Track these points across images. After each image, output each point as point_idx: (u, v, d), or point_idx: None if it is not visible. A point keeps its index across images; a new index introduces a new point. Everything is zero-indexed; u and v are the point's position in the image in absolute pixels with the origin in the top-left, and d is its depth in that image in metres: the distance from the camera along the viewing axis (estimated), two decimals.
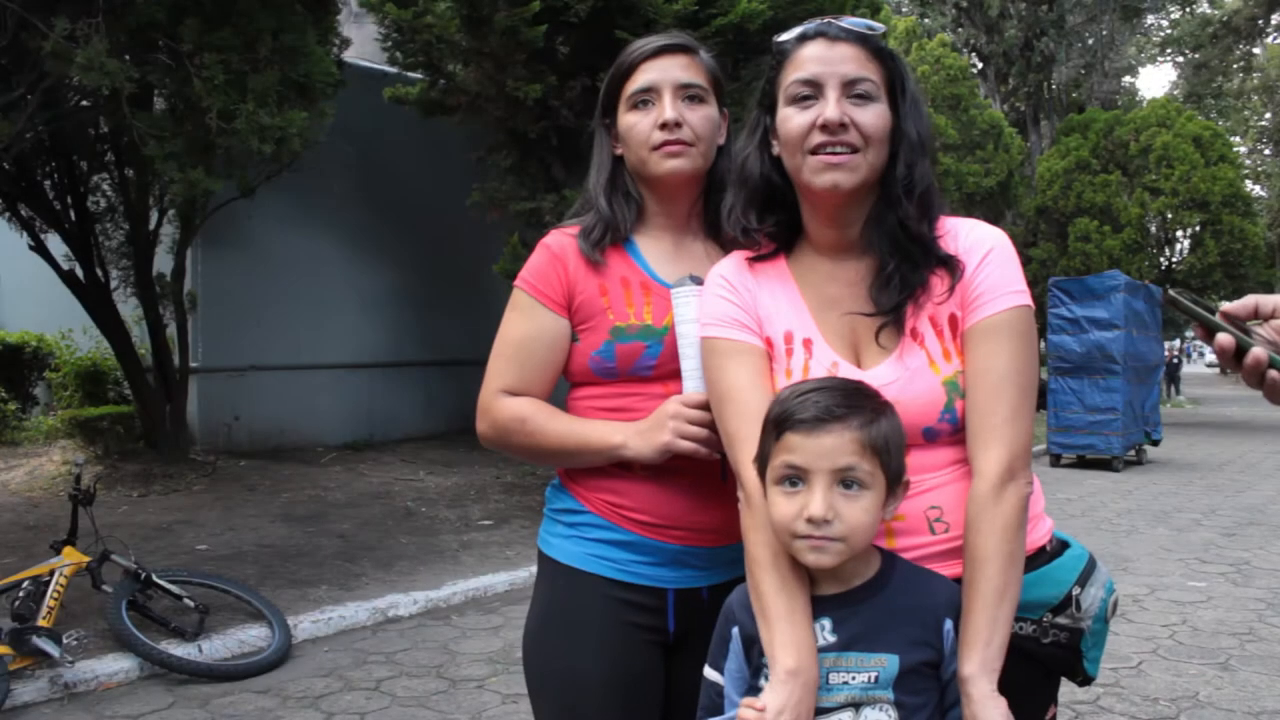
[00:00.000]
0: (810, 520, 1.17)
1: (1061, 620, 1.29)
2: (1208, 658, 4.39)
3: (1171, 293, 1.06)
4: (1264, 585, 5.72)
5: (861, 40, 1.30)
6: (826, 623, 1.23)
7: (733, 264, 1.44)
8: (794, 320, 1.37)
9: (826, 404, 1.19)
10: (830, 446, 1.17)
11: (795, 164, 1.32)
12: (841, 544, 1.18)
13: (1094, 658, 1.33)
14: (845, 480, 1.18)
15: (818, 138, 1.28)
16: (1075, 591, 1.31)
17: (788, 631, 1.20)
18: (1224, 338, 1.03)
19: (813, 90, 1.29)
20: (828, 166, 1.28)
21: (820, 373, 1.32)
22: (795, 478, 1.19)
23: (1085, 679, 1.34)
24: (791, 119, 1.30)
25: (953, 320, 1.31)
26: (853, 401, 1.20)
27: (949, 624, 1.21)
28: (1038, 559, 1.33)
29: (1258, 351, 1.01)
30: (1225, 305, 1.06)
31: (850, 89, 1.28)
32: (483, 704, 3.85)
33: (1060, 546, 1.37)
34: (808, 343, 1.35)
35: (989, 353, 1.27)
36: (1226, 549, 6.77)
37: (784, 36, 1.35)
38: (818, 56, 1.29)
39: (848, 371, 1.32)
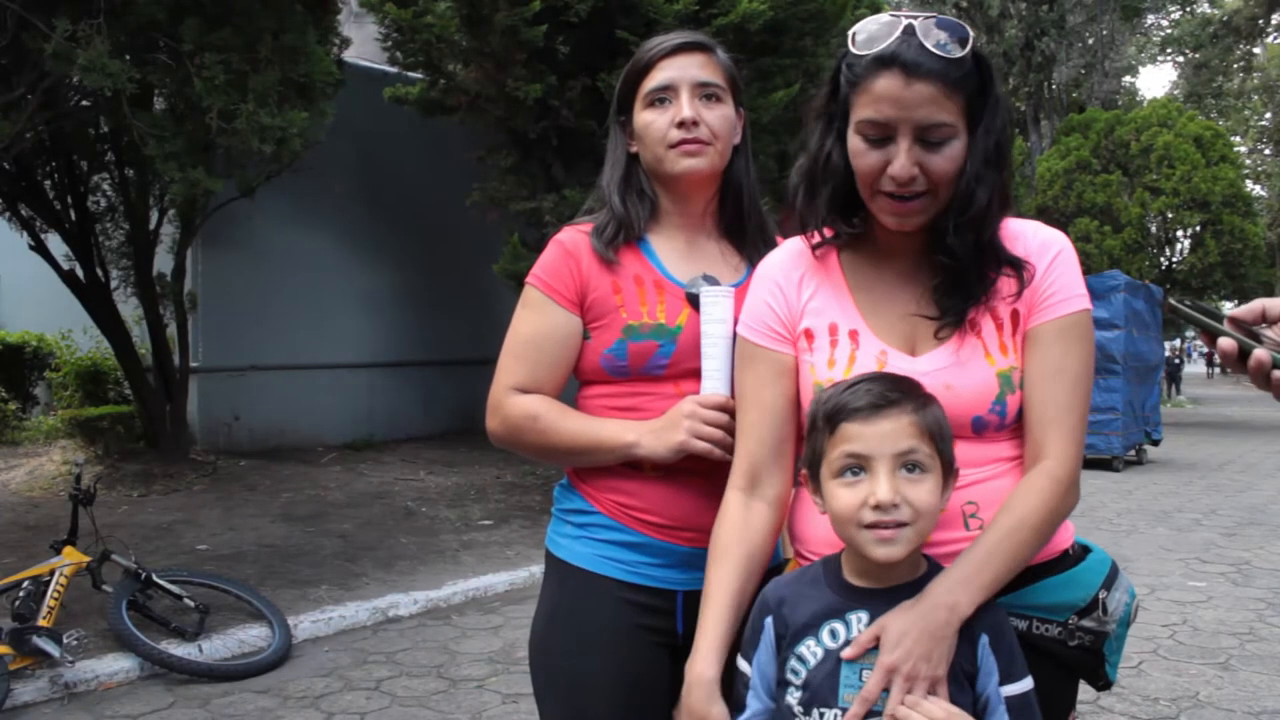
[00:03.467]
0: (878, 506, 1.15)
1: (1087, 623, 1.29)
2: (1208, 658, 4.39)
3: (1171, 301, 1.06)
4: (1264, 585, 5.72)
5: (943, 75, 1.19)
6: (864, 615, 1.20)
7: (784, 257, 1.42)
8: (840, 315, 1.36)
9: (880, 390, 1.19)
10: (890, 430, 1.17)
11: (864, 195, 1.29)
12: (910, 529, 1.16)
13: (1114, 662, 1.33)
14: (907, 464, 1.17)
15: (889, 185, 1.24)
16: (1101, 595, 1.30)
17: (706, 634, 1.32)
18: (1226, 342, 1.03)
19: (884, 133, 1.22)
20: (896, 212, 1.26)
21: (869, 361, 1.32)
22: (856, 467, 1.18)
23: (1106, 683, 1.34)
24: (863, 157, 1.25)
25: (1014, 316, 1.31)
26: (903, 388, 1.20)
27: (985, 639, 1.18)
28: (1062, 562, 1.32)
29: (1260, 353, 1.01)
30: (1233, 311, 1.06)
31: (925, 134, 1.21)
32: (483, 704, 3.85)
33: (1082, 551, 1.36)
34: (854, 334, 1.34)
35: (1064, 352, 1.29)
36: (1227, 549, 6.77)
37: (857, 49, 1.23)
38: (892, 96, 1.20)
39: (897, 360, 1.31)
